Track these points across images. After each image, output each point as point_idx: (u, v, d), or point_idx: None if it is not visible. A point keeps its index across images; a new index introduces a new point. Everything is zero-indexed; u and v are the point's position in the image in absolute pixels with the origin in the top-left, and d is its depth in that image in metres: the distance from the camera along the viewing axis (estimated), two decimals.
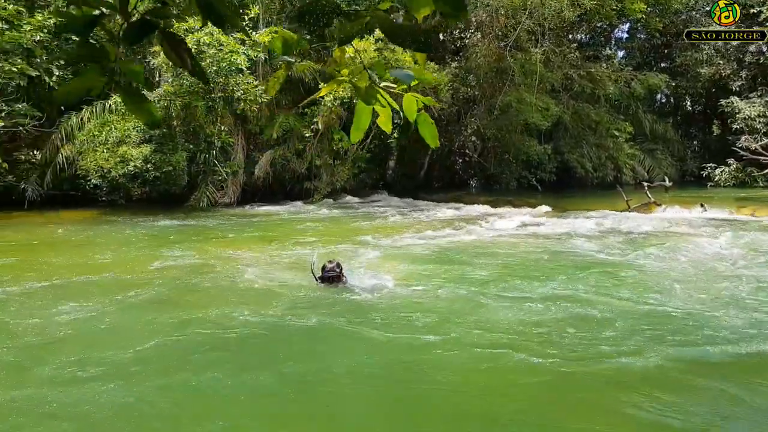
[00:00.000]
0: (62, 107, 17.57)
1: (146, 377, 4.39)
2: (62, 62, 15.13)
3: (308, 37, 17.23)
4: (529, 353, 4.73)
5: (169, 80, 16.17)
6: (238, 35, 16.13)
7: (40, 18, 14.42)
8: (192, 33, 15.13)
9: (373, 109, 2.03)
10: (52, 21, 14.62)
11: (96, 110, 16.61)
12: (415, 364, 4.72)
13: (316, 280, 6.78)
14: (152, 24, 1.54)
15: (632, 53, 27.04)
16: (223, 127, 17.14)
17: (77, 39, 1.65)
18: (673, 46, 26.02)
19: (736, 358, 4.72)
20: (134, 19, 1.54)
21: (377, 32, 15.96)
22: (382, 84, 2.01)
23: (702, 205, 14.59)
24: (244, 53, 16.13)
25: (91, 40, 1.60)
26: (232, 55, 15.77)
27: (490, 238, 11.03)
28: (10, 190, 16.28)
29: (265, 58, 17.99)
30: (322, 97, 17.38)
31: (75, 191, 16.75)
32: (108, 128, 16.06)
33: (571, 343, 5.01)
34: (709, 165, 23.52)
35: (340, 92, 16.33)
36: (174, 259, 8.96)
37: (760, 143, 21.62)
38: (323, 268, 6.79)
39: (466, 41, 22.10)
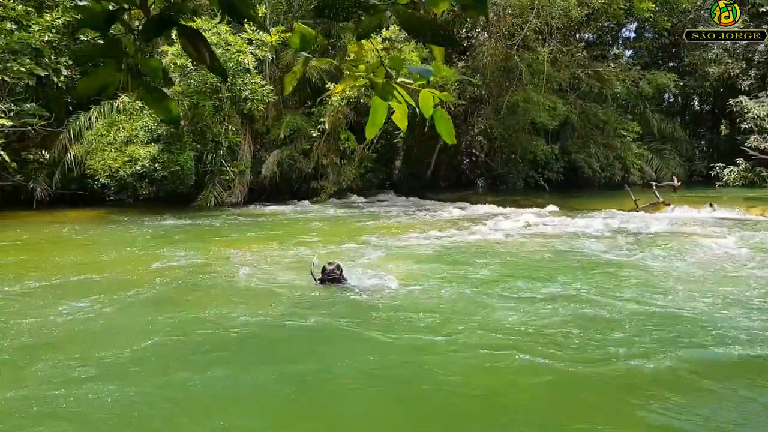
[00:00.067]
0: (70, 107, 17.70)
1: (146, 377, 4.37)
2: (71, 62, 15.20)
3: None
4: (534, 354, 4.66)
5: (177, 80, 16.21)
6: (246, 35, 16.17)
7: (48, 18, 14.52)
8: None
9: (388, 105, 1.99)
10: (60, 21, 14.71)
11: (104, 110, 16.72)
12: (415, 364, 4.67)
13: (316, 281, 6.75)
14: (171, 19, 1.54)
15: (640, 52, 26.77)
16: (230, 127, 17.19)
17: (90, 37, 1.66)
18: (681, 45, 25.70)
19: (747, 360, 4.63)
20: (153, 14, 1.54)
21: (384, 32, 15.95)
22: (399, 80, 1.98)
23: (711, 205, 14.42)
24: (252, 53, 16.17)
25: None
26: (239, 55, 15.83)
27: (496, 237, 10.95)
28: (19, 189, 16.43)
29: (272, 57, 18.02)
30: (329, 97, 17.42)
31: (83, 191, 16.85)
32: (116, 128, 16.17)
33: (576, 344, 4.94)
34: (717, 165, 23.32)
35: (348, 92, 16.31)
36: (177, 258, 8.97)
37: None
38: (323, 270, 6.76)
39: (473, 40, 22.02)
